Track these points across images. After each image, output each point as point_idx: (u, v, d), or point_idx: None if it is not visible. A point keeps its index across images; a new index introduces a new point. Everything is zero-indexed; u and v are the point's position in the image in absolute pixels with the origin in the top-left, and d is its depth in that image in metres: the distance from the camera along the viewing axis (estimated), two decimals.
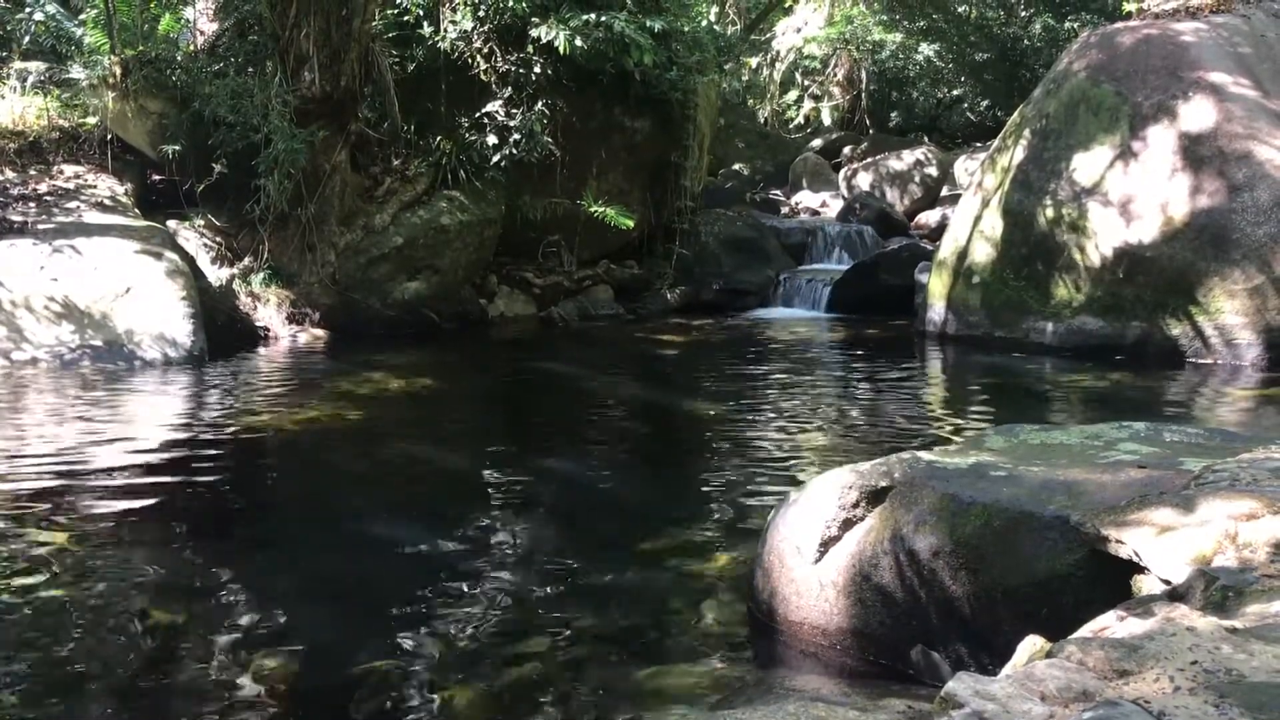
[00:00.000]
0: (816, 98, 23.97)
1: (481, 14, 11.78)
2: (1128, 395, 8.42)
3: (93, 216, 10.20)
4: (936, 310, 10.90)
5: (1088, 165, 9.92)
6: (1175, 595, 2.52)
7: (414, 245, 11.24)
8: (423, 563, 4.73)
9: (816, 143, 22.58)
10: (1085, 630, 2.42)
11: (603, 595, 4.33)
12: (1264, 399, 8.23)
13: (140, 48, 11.42)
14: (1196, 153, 9.38)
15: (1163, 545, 2.89)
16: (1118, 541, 3.01)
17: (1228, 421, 7.45)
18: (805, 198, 19.96)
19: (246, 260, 10.92)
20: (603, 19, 11.43)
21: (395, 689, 3.54)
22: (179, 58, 11.42)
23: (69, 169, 10.96)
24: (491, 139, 11.73)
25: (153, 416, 7.69)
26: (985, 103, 24.16)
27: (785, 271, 14.13)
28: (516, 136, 11.73)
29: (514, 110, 11.84)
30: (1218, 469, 3.34)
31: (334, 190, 11.00)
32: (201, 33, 12.30)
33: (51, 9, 12.04)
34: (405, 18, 11.96)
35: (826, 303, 13.09)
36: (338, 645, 3.93)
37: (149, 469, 6.22)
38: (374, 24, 11.18)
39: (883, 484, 3.72)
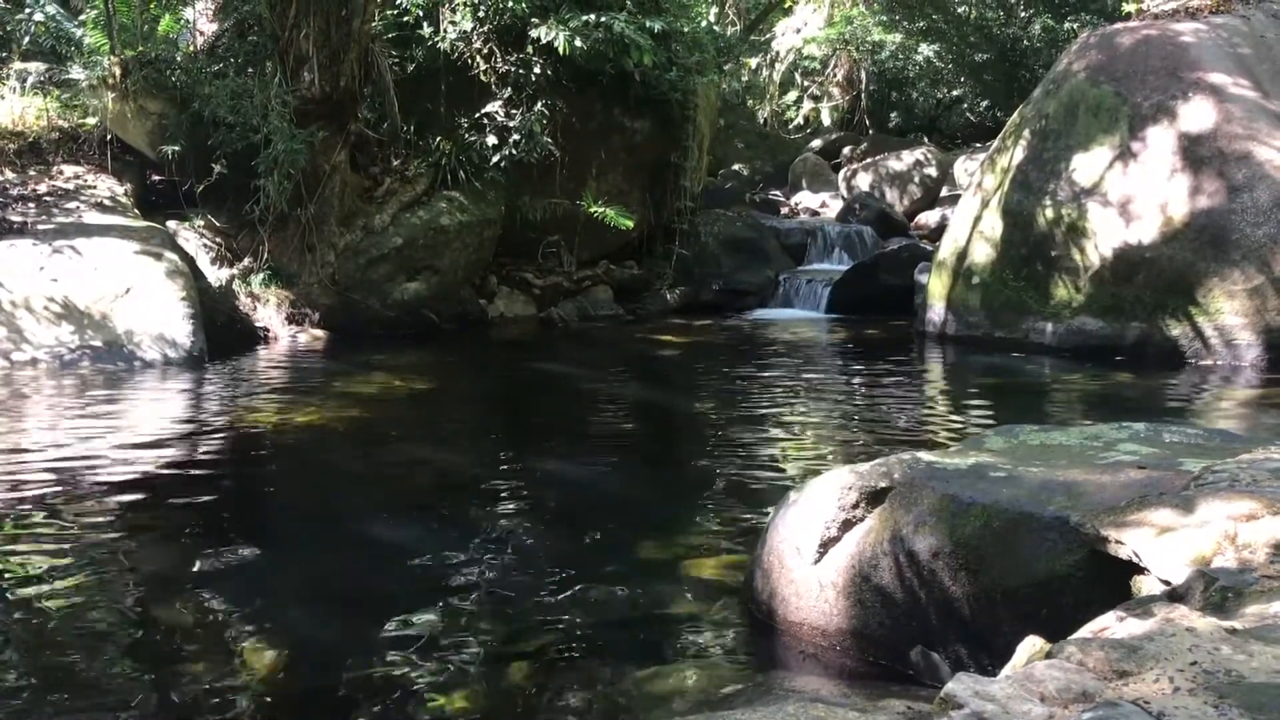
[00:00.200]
0: (816, 98, 23.97)
1: (481, 14, 11.77)
2: (1127, 396, 8.42)
3: (92, 217, 10.20)
4: (936, 310, 10.90)
5: (1087, 166, 9.92)
6: (1175, 596, 2.52)
7: (413, 246, 11.24)
8: (422, 563, 4.73)
9: (816, 143, 22.58)
10: (1085, 631, 2.43)
11: (602, 595, 4.32)
12: (1264, 400, 8.23)
13: (140, 48, 11.41)
14: (1196, 153, 9.38)
15: (1162, 546, 2.89)
16: (1117, 542, 3.01)
17: (1227, 422, 7.45)
18: (805, 198, 19.96)
19: (246, 261, 10.92)
20: (602, 19, 11.43)
21: (395, 689, 3.54)
22: (179, 58, 11.41)
23: (69, 169, 10.96)
24: (491, 139, 11.73)
25: (152, 417, 7.69)
26: (985, 103, 24.16)
27: (785, 272, 14.13)
28: (516, 137, 11.73)
29: (514, 111, 11.84)
30: (1217, 470, 3.34)
31: (333, 191, 11.00)
32: (201, 33, 12.30)
33: (51, 9, 12.04)
34: (405, 18, 11.96)
35: (826, 303, 13.08)
36: (337, 645, 3.93)
37: (148, 469, 6.22)
38: (373, 24, 11.17)
39: (882, 485, 3.72)
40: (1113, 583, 2.97)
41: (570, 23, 11.36)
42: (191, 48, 12.06)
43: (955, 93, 25.08)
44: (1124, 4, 12.85)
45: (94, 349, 8.96)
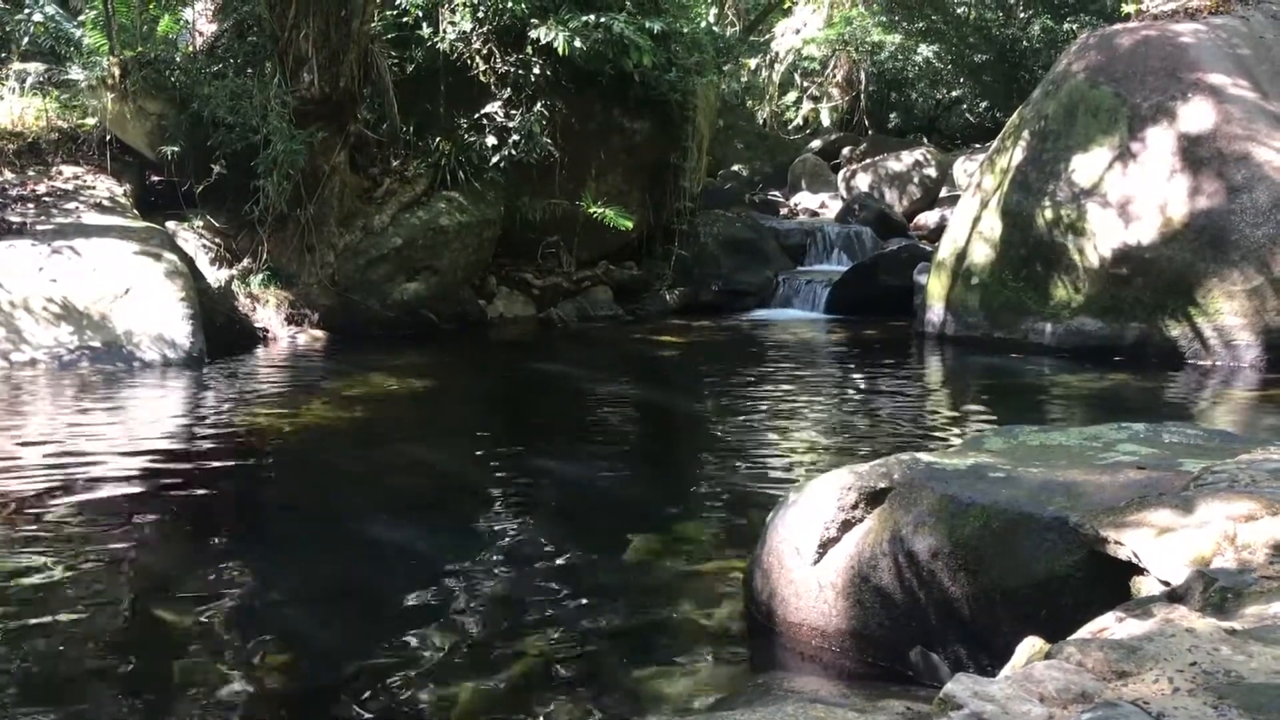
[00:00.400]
0: (815, 99, 23.97)
1: (480, 15, 11.77)
2: (1126, 396, 8.42)
3: (91, 217, 10.20)
4: (935, 311, 10.90)
5: (1086, 166, 9.92)
6: (1174, 596, 2.52)
7: (413, 246, 11.24)
8: (422, 563, 4.73)
9: (815, 144, 22.59)
10: (1084, 631, 2.43)
11: (601, 596, 4.33)
12: (1263, 400, 8.23)
13: (139, 49, 11.41)
14: (1195, 154, 9.38)
15: (1162, 546, 2.89)
16: (1116, 543, 3.01)
17: (1226, 422, 7.45)
18: (804, 199, 19.97)
19: (245, 261, 10.92)
20: (602, 20, 11.43)
21: (394, 689, 3.54)
22: (178, 59, 11.41)
23: (68, 170, 10.95)
24: (490, 140, 11.73)
25: (151, 418, 7.69)
26: (984, 104, 24.16)
27: (784, 272, 14.14)
28: (515, 137, 11.74)
29: (513, 111, 11.84)
30: (1217, 470, 3.34)
31: (333, 191, 11.00)
32: (200, 34, 12.30)
33: (50, 10, 12.03)
34: (404, 19, 11.96)
35: (825, 304, 13.09)
36: (337, 645, 3.93)
37: (147, 470, 6.22)
38: (373, 25, 11.17)
39: (881, 485, 3.72)
40: (1112, 583, 2.97)
41: (570, 23, 11.37)
42: (191, 48, 12.05)
43: (954, 93, 25.09)
44: (1123, 5, 12.85)
45: (93, 349, 8.95)
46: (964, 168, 18.61)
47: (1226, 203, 9.14)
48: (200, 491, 5.88)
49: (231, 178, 10.52)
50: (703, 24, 17.47)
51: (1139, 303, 9.45)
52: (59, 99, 11.33)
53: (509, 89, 11.89)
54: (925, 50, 23.71)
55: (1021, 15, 23.11)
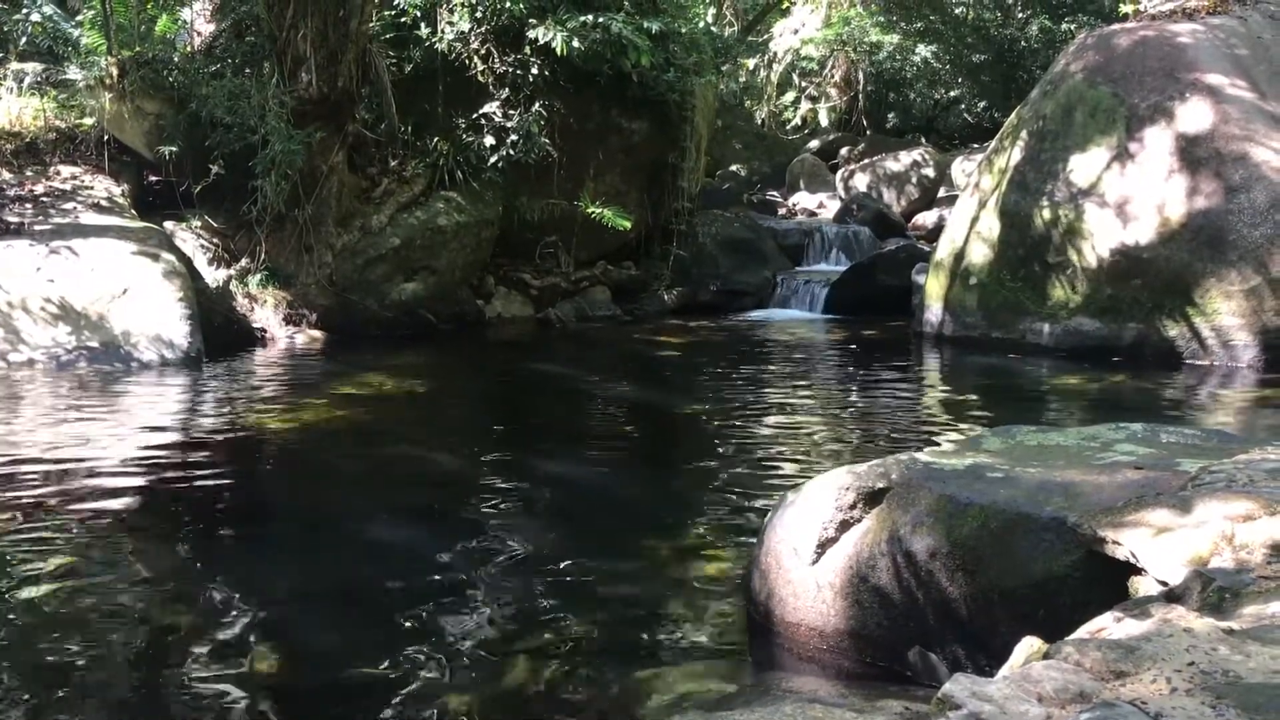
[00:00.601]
0: (814, 99, 23.97)
1: (479, 15, 11.77)
2: (1124, 396, 8.42)
3: (89, 217, 10.19)
4: (933, 311, 10.91)
5: (1084, 166, 9.93)
6: (1172, 596, 2.53)
7: (411, 246, 11.24)
8: (420, 564, 4.73)
9: (814, 144, 22.59)
10: (1082, 631, 2.43)
11: (600, 597, 4.33)
12: (1260, 400, 8.24)
13: (137, 49, 11.40)
14: (1193, 154, 9.39)
15: (1160, 546, 2.89)
16: (1114, 543, 3.01)
17: (1224, 422, 7.46)
18: (802, 199, 19.97)
19: (243, 261, 10.92)
20: (600, 20, 11.43)
21: (392, 689, 3.54)
22: (176, 59, 11.41)
23: (65, 170, 10.95)
24: (489, 140, 11.73)
25: (149, 418, 7.68)
26: (982, 104, 24.17)
27: (782, 272, 14.14)
28: (514, 137, 11.73)
29: (511, 111, 11.84)
30: (1214, 470, 3.35)
31: (331, 191, 11.00)
32: (199, 34, 12.30)
33: (48, 10, 12.03)
34: (402, 19, 11.95)
35: (824, 304, 13.09)
36: (334, 647, 3.93)
37: (145, 471, 6.22)
38: (371, 25, 11.17)
39: (880, 485, 3.72)
40: (1110, 583, 2.97)
41: (568, 23, 11.36)
42: (189, 48, 12.05)
43: (953, 93, 25.10)
44: (1121, 5, 12.86)
45: (91, 350, 8.95)
46: (962, 168, 18.62)
47: (1224, 203, 9.15)
48: (198, 492, 5.87)
49: (229, 178, 10.51)
50: (701, 24, 17.47)
51: (1137, 303, 9.45)
52: (57, 99, 11.32)
53: (507, 89, 11.89)
54: (923, 50, 23.71)
55: (1019, 15, 23.12)
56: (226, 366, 9.26)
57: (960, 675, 1.99)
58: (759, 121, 23.99)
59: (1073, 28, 20.23)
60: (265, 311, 10.67)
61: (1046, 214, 10.03)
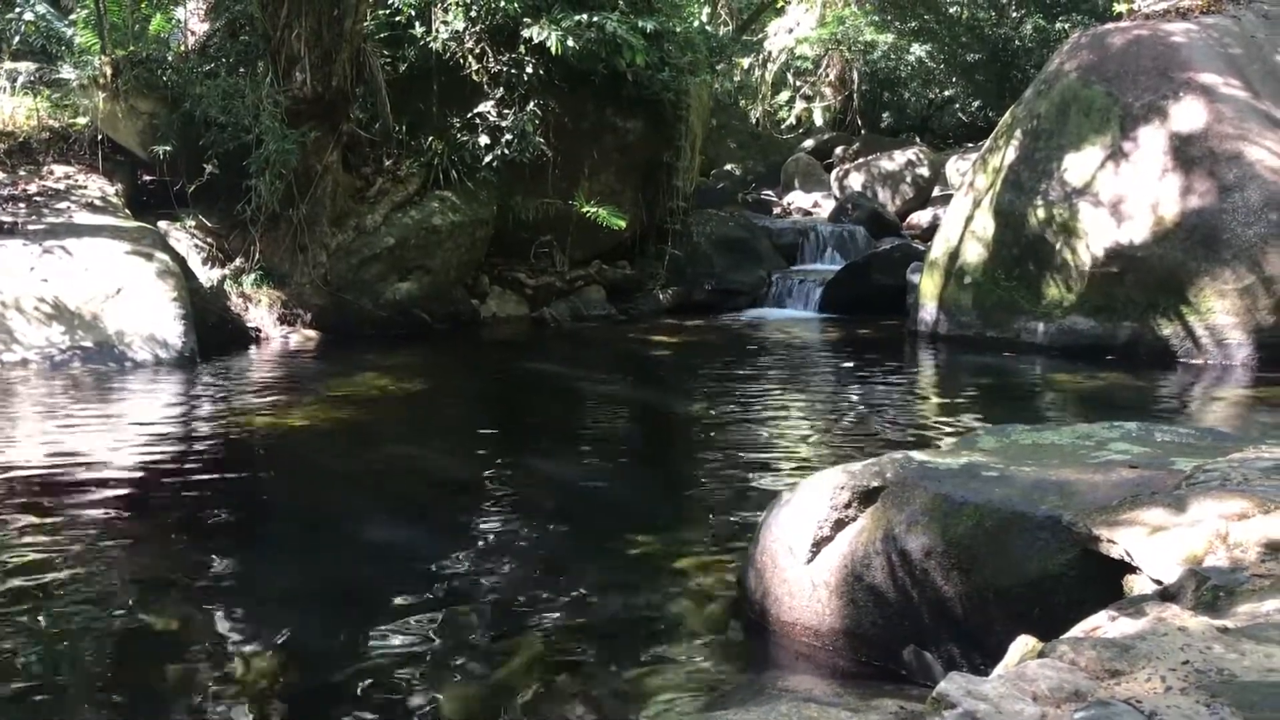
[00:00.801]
0: (808, 98, 24.00)
1: (473, 14, 11.76)
2: (1119, 395, 8.44)
3: (83, 217, 10.17)
4: (928, 310, 10.92)
5: (1079, 166, 9.94)
6: (1167, 595, 2.53)
7: (405, 246, 11.23)
8: (414, 564, 4.72)
9: (808, 143, 22.60)
10: (1077, 630, 2.43)
11: (595, 596, 4.32)
12: (1254, 399, 8.25)
13: (131, 48, 11.38)
14: (1187, 153, 9.40)
15: (1154, 545, 2.89)
16: (1109, 541, 3.02)
17: (1218, 421, 7.47)
18: (797, 198, 19.98)
19: (238, 261, 10.90)
20: (594, 19, 11.43)
21: (387, 689, 3.54)
22: (170, 58, 11.39)
23: (59, 169, 10.92)
24: (483, 139, 11.72)
25: (143, 418, 7.67)
26: (976, 103, 24.21)
27: (777, 272, 14.15)
28: (508, 137, 11.72)
29: (506, 110, 11.84)
30: (1209, 469, 3.35)
31: (325, 191, 10.98)
32: (192, 33, 12.28)
33: (41, 9, 11.99)
34: (397, 18, 11.94)
35: (819, 303, 13.10)
36: (328, 647, 3.92)
37: (139, 471, 6.21)
38: (365, 24, 11.16)
39: (875, 484, 3.72)
40: (1105, 582, 2.98)
41: (562, 22, 11.36)
42: (183, 47, 12.03)
43: (947, 93, 25.14)
44: (1115, 4, 12.88)
45: (85, 349, 8.93)
46: (956, 167, 18.63)
47: (1218, 202, 9.16)
48: (192, 492, 5.86)
49: (224, 177, 10.49)
50: (695, 23, 17.46)
51: (1131, 302, 9.46)
52: (50, 98, 11.29)
53: (502, 88, 11.88)
54: (918, 50, 23.75)
55: (1014, 15, 23.15)
56: (220, 366, 9.25)
57: (955, 674, 1.99)
58: (754, 121, 24.02)
59: (1067, 27, 20.27)
60: (259, 311, 10.66)
61: (1041, 213, 10.04)
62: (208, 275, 10.69)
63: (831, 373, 9.88)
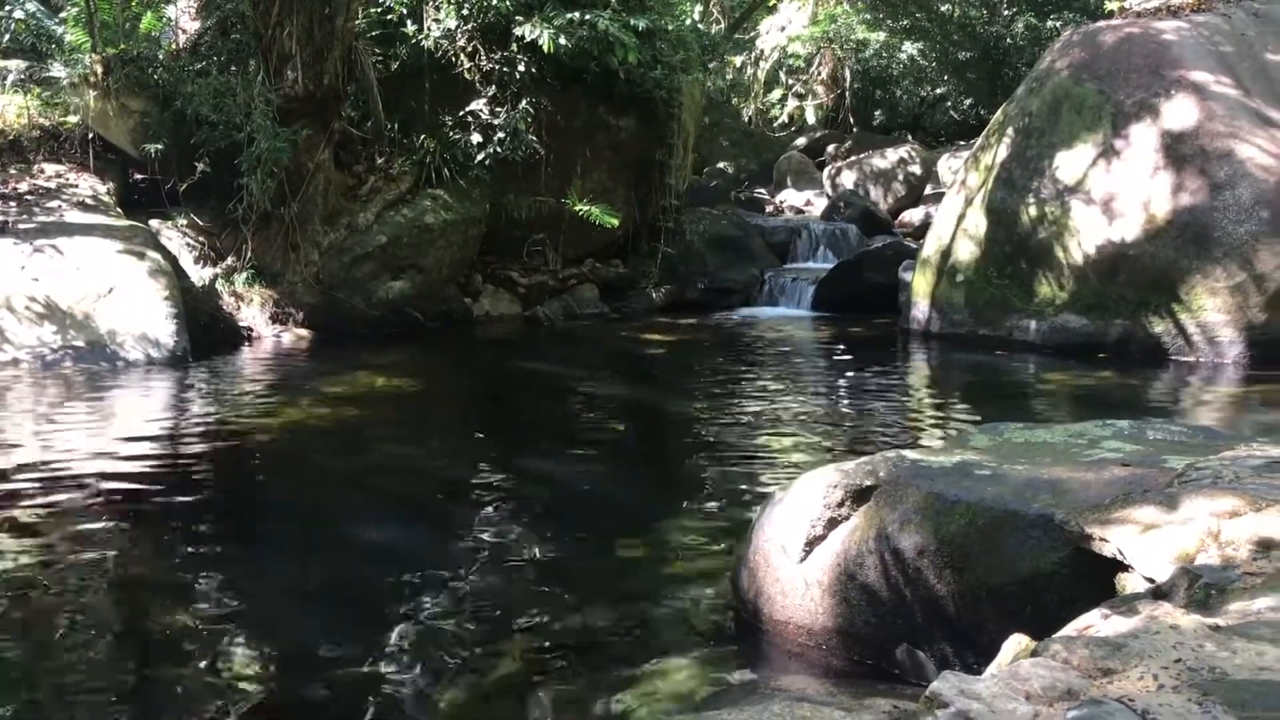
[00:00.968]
0: (800, 96, 24.02)
1: (465, 12, 11.74)
2: (1111, 393, 8.45)
3: (74, 216, 10.14)
4: (920, 308, 10.93)
5: (1071, 163, 9.96)
6: (1159, 593, 2.53)
7: (398, 244, 11.21)
8: (408, 563, 4.72)
9: (801, 141, 22.61)
10: (1070, 629, 2.43)
11: (587, 595, 4.32)
12: (1246, 396, 8.28)
13: (122, 46, 11.35)
14: (1178, 151, 9.42)
15: (1146, 543, 2.90)
16: (1102, 540, 3.02)
17: (1210, 419, 7.49)
18: (790, 196, 19.98)
19: (229, 260, 10.87)
20: (587, 17, 11.42)
21: (380, 689, 3.53)
22: (161, 56, 11.35)
23: (50, 168, 10.88)
24: (476, 137, 11.70)
25: (135, 418, 7.65)
26: (968, 101, 24.24)
27: (770, 270, 14.15)
28: (501, 135, 11.71)
29: (498, 109, 11.82)
30: (1200, 467, 3.36)
31: (317, 189, 10.96)
32: (183, 31, 12.25)
33: (32, 7, 11.96)
34: (389, 16, 11.92)
35: (811, 301, 13.11)
36: (324, 646, 3.91)
37: (131, 471, 6.19)
38: (357, 22, 11.13)
39: (868, 483, 3.72)
40: (1097, 580, 2.98)
41: (554, 20, 11.35)
42: (174, 45, 12.00)
43: (939, 91, 25.16)
44: (1106, 2, 12.90)
45: (76, 349, 8.90)
46: (948, 165, 18.66)
47: (1209, 200, 9.18)
48: (184, 492, 5.85)
49: (215, 176, 10.47)
50: (688, 21, 17.47)
51: (1123, 300, 9.48)
52: (41, 96, 11.24)
53: (494, 86, 11.86)
54: (909, 48, 23.77)
55: (1005, 12, 23.20)
56: (212, 365, 9.23)
57: (948, 673, 1.99)
58: (746, 119, 24.01)
59: (1058, 25, 20.31)
60: (251, 310, 10.63)
61: (1033, 211, 10.05)
62: (199, 274, 10.66)
63: (824, 371, 9.89)
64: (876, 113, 25.20)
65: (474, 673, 3.66)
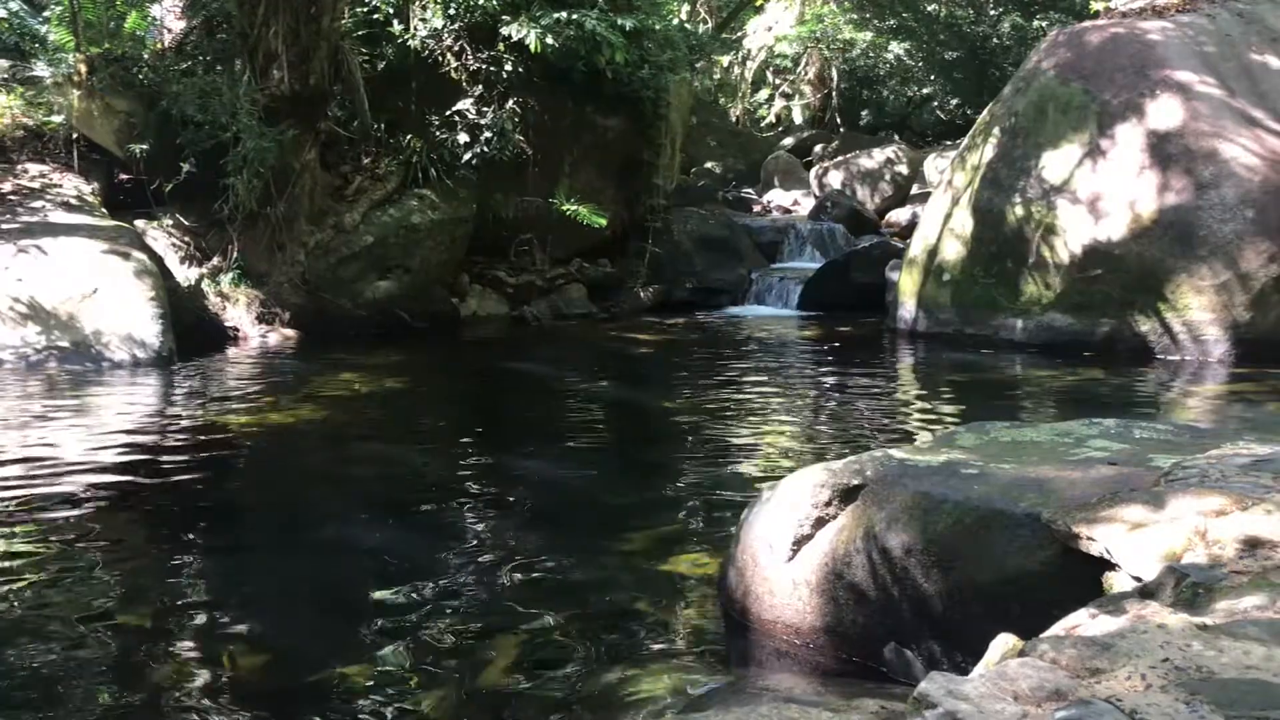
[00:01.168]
0: (788, 96, 24.06)
1: (452, 12, 11.73)
2: (1097, 392, 8.48)
3: (59, 216, 10.08)
4: (907, 308, 10.95)
5: (1057, 163, 9.98)
6: (1146, 592, 2.53)
7: (385, 244, 11.18)
8: (394, 564, 4.70)
9: (788, 141, 22.65)
10: (1057, 628, 2.43)
11: (575, 596, 4.31)
12: (1231, 394, 8.31)
13: (106, 45, 11.29)
14: (1164, 150, 9.46)
15: (1133, 542, 2.90)
16: (1089, 539, 3.02)
17: (1196, 417, 7.52)
18: (777, 196, 20.01)
19: (215, 260, 10.82)
20: (574, 17, 11.41)
21: (365, 691, 3.52)
22: (146, 56, 11.30)
23: (34, 168, 10.82)
24: (462, 137, 11.68)
25: (118, 418, 7.61)
26: (955, 101, 24.30)
27: (757, 270, 14.16)
28: (488, 135, 11.69)
29: (485, 108, 11.80)
30: (1187, 466, 3.36)
31: (303, 189, 10.93)
32: (169, 30, 12.19)
33: (15, 5, 11.90)
34: (375, 16, 11.90)
35: (798, 301, 13.12)
36: (307, 648, 3.89)
37: (115, 472, 6.15)
38: (343, 22, 11.10)
39: (855, 482, 3.72)
40: (1085, 579, 2.98)
41: (541, 20, 11.33)
42: (159, 45, 11.94)
43: (925, 91, 25.22)
44: (1092, 2, 12.95)
45: (61, 350, 8.85)
46: (935, 165, 18.70)
47: (1194, 199, 9.22)
48: (170, 493, 5.82)
49: (201, 176, 10.41)
50: (675, 21, 17.47)
51: (1109, 299, 9.51)
52: (24, 96, 11.18)
53: (481, 86, 11.85)
54: (896, 48, 23.83)
55: (991, 12, 23.25)
56: (198, 366, 9.19)
57: (936, 674, 1.99)
58: (733, 119, 24.06)
59: (1044, 25, 20.36)
60: (237, 310, 10.59)
61: (1019, 211, 10.08)
62: (185, 275, 10.61)
63: (811, 371, 9.90)
64: (863, 112, 25.26)
65: (459, 673, 3.65)
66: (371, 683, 3.57)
